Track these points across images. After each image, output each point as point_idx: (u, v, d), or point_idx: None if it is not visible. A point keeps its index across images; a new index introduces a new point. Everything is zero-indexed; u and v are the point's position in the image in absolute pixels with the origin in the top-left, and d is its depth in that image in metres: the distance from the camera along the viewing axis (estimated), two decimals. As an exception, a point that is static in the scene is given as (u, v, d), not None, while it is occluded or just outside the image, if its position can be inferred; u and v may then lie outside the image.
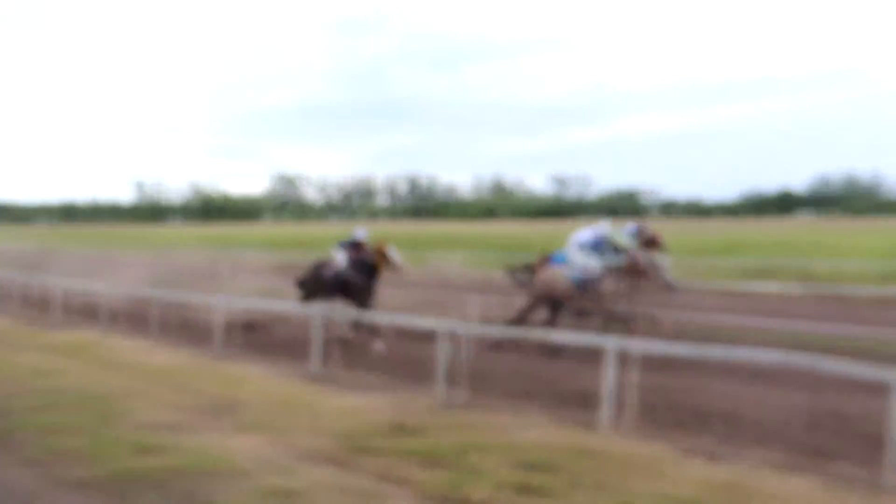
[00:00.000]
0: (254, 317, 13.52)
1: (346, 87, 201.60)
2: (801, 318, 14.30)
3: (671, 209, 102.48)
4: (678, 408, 7.76)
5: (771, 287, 18.35)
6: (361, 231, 13.00)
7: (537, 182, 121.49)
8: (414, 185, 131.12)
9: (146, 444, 6.36)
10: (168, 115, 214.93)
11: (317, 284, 12.60)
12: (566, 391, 8.44)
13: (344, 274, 12.29)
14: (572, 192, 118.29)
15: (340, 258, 12.52)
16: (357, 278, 12.17)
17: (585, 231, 12.45)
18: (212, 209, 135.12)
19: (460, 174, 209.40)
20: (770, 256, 22.31)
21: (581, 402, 7.67)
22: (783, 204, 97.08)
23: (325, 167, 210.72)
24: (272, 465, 5.86)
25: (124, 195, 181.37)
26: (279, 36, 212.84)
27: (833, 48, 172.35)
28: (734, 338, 11.48)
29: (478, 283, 21.84)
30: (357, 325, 12.03)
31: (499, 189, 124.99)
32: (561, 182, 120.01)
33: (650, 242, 17.45)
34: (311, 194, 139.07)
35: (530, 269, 12.39)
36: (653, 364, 7.98)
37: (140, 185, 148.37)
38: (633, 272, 11.40)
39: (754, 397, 8.04)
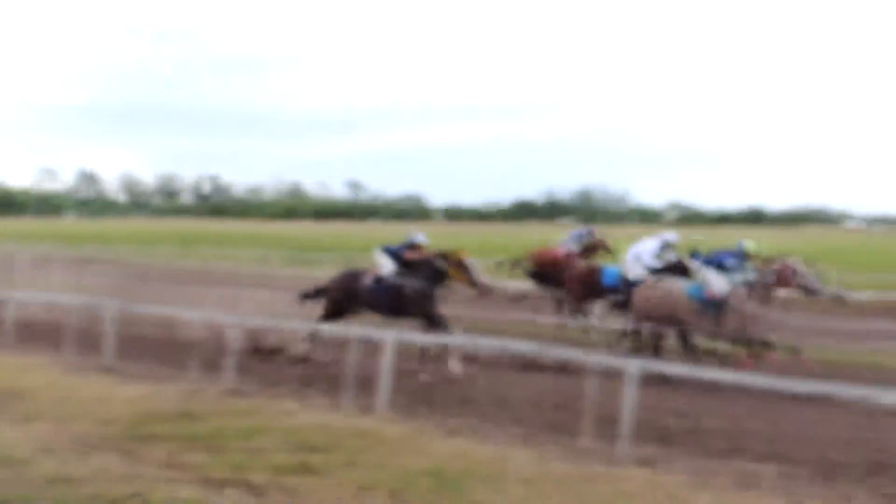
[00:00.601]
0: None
1: (153, 89, 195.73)
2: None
3: (455, 215, 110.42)
4: (447, 393, 8.82)
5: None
6: (421, 235, 11.03)
7: (335, 186, 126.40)
8: (215, 185, 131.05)
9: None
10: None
11: (348, 296, 10.57)
12: (346, 378, 9.18)
13: (391, 280, 10.29)
14: (366, 196, 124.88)
15: (386, 263, 10.55)
16: (415, 285, 10.13)
17: (648, 241, 11.95)
18: (14, 204, 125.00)
19: (260, 176, 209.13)
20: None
21: (360, 388, 8.31)
22: (549, 210, 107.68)
23: (129, 166, 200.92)
24: (53, 453, 5.99)
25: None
26: (85, 37, 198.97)
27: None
28: (503, 331, 12.44)
29: (268, 279, 22.67)
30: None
31: (296, 191, 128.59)
32: (355, 186, 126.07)
33: (594, 248, 17.03)
34: (113, 192, 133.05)
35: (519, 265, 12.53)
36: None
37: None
38: (779, 284, 10.24)
39: (519, 382, 9.25)
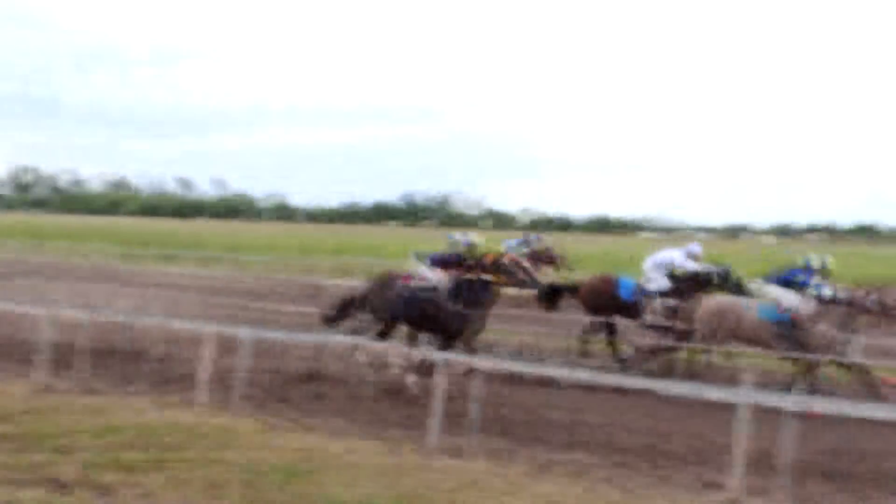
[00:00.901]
0: None
1: (11, 82, 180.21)
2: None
3: (317, 215, 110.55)
4: (303, 390, 9.00)
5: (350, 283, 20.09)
6: (466, 237, 10.15)
7: (201, 184, 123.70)
8: (40, 178, 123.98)
9: None
10: None
11: (383, 304, 9.47)
12: (172, 374, 9.20)
13: (427, 294, 9.21)
14: (196, 194, 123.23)
15: (430, 274, 9.59)
16: (454, 304, 9.03)
17: (670, 251, 11.50)
18: None
19: (97, 170, 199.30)
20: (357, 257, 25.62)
21: (185, 384, 8.37)
22: (409, 213, 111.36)
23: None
24: None
25: None
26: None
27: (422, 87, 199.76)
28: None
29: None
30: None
31: (123, 186, 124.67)
32: (185, 183, 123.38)
33: (539, 258, 16.09)
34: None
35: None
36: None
37: None
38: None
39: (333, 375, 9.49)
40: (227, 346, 8.34)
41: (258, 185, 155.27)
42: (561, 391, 9.08)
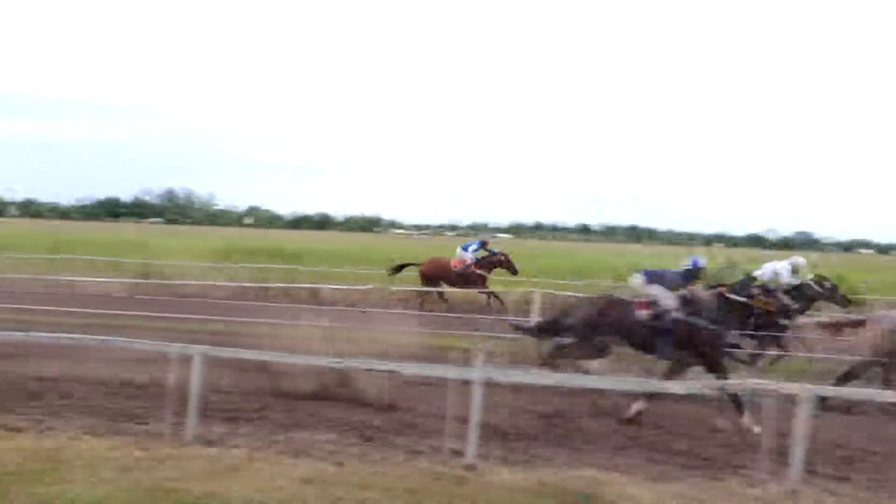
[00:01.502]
0: None
1: None
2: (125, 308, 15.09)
3: (34, 211, 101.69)
4: (18, 388, 8.42)
5: (107, 280, 19.09)
6: (700, 258, 9.18)
7: None
8: None
9: None
10: None
11: (618, 328, 8.58)
12: None
13: (674, 316, 8.40)
14: None
15: (662, 294, 8.66)
16: (708, 325, 8.35)
17: (776, 263, 11.06)
18: None
19: None
20: (109, 255, 23.45)
21: None
22: (137, 210, 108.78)
23: None
24: None
25: None
26: None
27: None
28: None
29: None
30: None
31: None
32: None
33: (495, 263, 18.55)
34: None
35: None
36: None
37: None
38: None
39: (94, 372, 9.07)
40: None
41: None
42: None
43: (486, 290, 18.02)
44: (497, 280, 18.96)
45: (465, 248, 18.72)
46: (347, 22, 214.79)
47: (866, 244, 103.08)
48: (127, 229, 60.43)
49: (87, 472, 5.67)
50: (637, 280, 9.04)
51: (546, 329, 9.32)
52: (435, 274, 18.25)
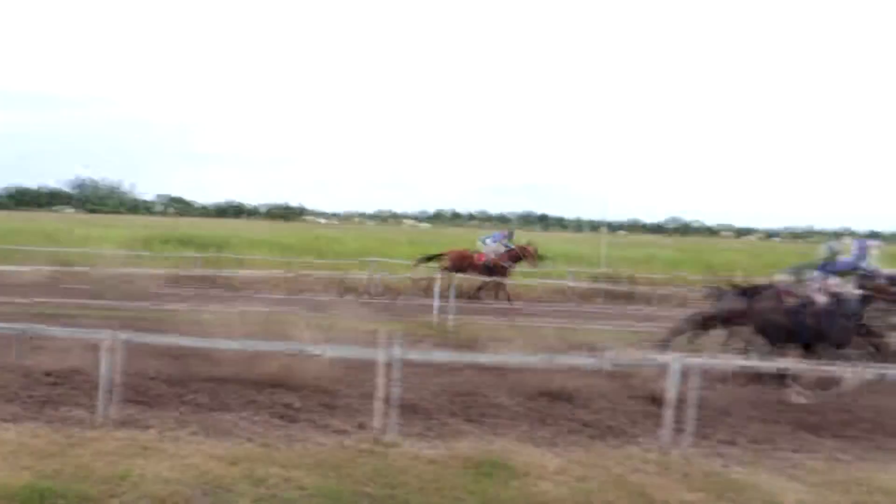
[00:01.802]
0: None
1: None
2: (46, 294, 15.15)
3: None
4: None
5: (24, 269, 18.68)
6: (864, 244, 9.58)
7: None
8: None
9: None
10: None
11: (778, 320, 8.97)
12: None
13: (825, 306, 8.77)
14: None
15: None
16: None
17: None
18: None
19: None
20: (28, 244, 23.07)
21: None
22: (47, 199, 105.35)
23: None
24: None
25: None
26: None
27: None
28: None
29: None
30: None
31: None
32: None
33: (520, 255, 19.22)
34: None
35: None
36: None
37: None
38: None
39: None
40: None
41: None
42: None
43: (489, 279, 18.38)
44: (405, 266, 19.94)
45: (490, 240, 19.51)
46: (264, 9, 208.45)
47: (756, 231, 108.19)
48: (39, 218, 57.92)
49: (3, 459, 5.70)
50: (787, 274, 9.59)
51: (709, 323, 9.86)
52: (460, 267, 18.77)
